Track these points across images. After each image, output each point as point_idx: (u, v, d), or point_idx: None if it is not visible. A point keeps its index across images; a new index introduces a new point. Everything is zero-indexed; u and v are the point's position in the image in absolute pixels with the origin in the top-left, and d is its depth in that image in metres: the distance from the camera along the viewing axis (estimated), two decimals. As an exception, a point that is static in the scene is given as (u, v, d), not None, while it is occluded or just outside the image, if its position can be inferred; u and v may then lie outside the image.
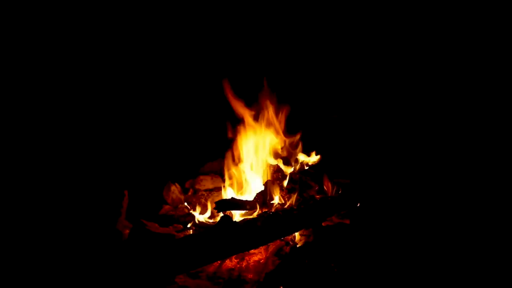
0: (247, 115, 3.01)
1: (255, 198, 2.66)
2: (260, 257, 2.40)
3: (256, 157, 2.98)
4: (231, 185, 2.94)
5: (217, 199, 2.66)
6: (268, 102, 3.03)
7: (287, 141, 3.07)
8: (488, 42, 3.56)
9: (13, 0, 3.16)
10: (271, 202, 2.67)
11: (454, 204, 2.85)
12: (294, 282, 2.11)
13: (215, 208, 2.54)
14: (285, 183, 2.86)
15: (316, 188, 2.88)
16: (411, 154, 3.52)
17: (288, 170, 2.99)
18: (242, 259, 2.38)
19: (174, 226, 2.67)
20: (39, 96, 3.30)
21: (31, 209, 2.62)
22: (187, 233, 2.58)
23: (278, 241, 2.47)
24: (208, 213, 2.75)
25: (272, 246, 2.45)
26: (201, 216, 2.72)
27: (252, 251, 2.38)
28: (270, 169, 2.92)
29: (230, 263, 2.35)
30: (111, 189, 2.74)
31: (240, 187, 2.94)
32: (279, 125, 3.06)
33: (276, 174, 2.87)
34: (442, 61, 3.72)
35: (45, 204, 2.68)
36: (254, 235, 2.26)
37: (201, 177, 3.28)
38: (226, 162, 2.97)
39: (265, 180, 2.77)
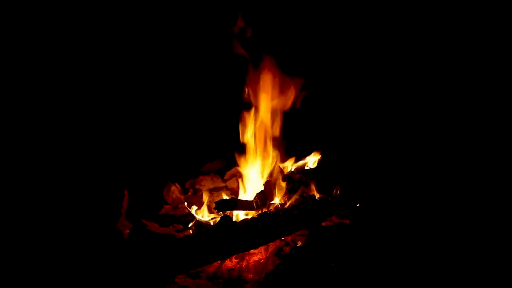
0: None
1: (255, 198, 2.66)
2: (260, 257, 2.40)
3: (256, 157, 2.98)
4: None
5: (217, 199, 2.66)
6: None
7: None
8: (488, 42, 3.56)
9: (13, 0, 3.16)
10: (271, 202, 2.67)
11: (454, 203, 2.85)
12: (294, 282, 2.11)
13: (215, 208, 2.54)
14: (285, 183, 2.86)
15: (316, 189, 2.88)
16: (411, 154, 3.52)
17: (288, 170, 3.00)
18: (242, 259, 2.38)
19: (174, 226, 2.67)
20: (39, 97, 3.30)
21: (31, 209, 2.62)
22: (187, 233, 2.58)
23: (278, 241, 2.47)
24: (208, 213, 2.75)
25: (272, 246, 2.45)
26: (201, 216, 2.72)
27: (252, 251, 2.38)
28: (270, 169, 2.92)
29: (230, 263, 2.35)
30: (111, 189, 2.74)
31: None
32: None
33: (276, 174, 2.87)
34: (442, 62, 3.72)
35: (45, 204, 2.68)
36: (254, 235, 2.26)
37: (201, 177, 3.28)
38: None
39: (265, 180, 2.77)
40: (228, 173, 3.35)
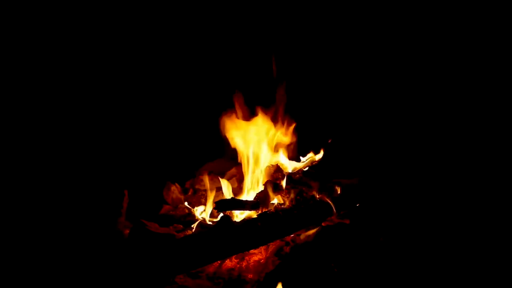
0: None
1: (255, 198, 2.66)
2: (260, 257, 2.40)
3: (256, 157, 2.97)
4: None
5: (217, 199, 2.66)
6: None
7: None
8: (488, 42, 3.56)
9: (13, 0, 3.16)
10: (271, 202, 2.67)
11: (454, 203, 2.85)
12: (294, 282, 2.11)
13: (215, 208, 2.54)
14: (285, 183, 2.86)
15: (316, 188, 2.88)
16: (411, 154, 3.52)
17: (288, 170, 2.99)
18: (242, 259, 2.38)
19: (174, 226, 2.67)
20: (39, 97, 3.30)
21: (31, 209, 2.62)
22: (187, 233, 2.58)
23: (278, 241, 2.47)
24: (208, 213, 2.75)
25: (272, 246, 2.45)
26: (201, 216, 2.71)
27: (252, 251, 2.38)
28: (269, 169, 2.91)
29: (230, 263, 2.35)
30: (111, 189, 2.74)
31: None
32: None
33: (276, 174, 2.87)
34: (442, 62, 3.72)
35: (45, 204, 2.68)
36: (254, 235, 2.26)
37: (201, 177, 3.28)
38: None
39: (265, 180, 2.77)
40: (228, 173, 3.35)
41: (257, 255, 2.41)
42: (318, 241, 2.40)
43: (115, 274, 1.96)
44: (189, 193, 3.18)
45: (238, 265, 2.34)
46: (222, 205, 2.53)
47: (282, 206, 2.68)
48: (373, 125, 3.87)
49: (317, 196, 2.79)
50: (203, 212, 2.78)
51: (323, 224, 2.60)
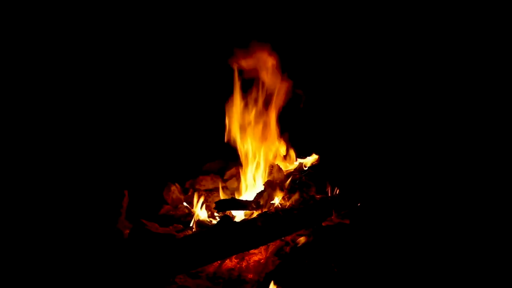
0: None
1: (255, 198, 2.66)
2: (260, 257, 2.40)
3: (257, 157, 2.98)
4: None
5: (217, 199, 2.66)
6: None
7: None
8: (488, 42, 3.56)
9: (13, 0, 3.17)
10: (271, 202, 2.67)
11: (454, 203, 2.85)
12: (294, 282, 2.11)
13: (215, 208, 2.54)
14: (285, 183, 2.86)
15: (315, 189, 2.88)
16: (411, 154, 3.52)
17: (288, 170, 3.00)
18: (242, 259, 2.38)
19: (174, 226, 2.67)
20: (40, 97, 3.30)
21: (31, 209, 2.62)
22: (187, 233, 2.58)
23: (278, 241, 2.47)
24: (208, 213, 2.75)
25: (272, 246, 2.45)
26: (201, 216, 2.71)
27: (252, 251, 2.38)
28: (270, 169, 2.92)
29: (230, 263, 2.35)
30: (111, 189, 2.74)
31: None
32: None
33: (276, 174, 2.87)
34: (440, 64, 3.72)
35: (45, 204, 2.68)
36: (254, 235, 2.26)
37: (201, 177, 3.28)
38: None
39: (265, 180, 2.77)
40: (228, 173, 3.35)
41: (257, 255, 2.41)
42: (318, 241, 2.40)
43: (115, 274, 1.96)
44: (189, 193, 3.18)
45: (238, 265, 2.34)
46: (222, 205, 2.53)
47: (282, 206, 2.68)
48: (373, 125, 3.87)
49: (317, 196, 2.80)
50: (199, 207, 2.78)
51: (323, 224, 2.60)
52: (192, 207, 2.82)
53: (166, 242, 2.25)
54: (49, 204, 2.68)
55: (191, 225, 2.65)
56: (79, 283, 1.97)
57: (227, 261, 2.35)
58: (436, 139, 3.55)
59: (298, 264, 2.20)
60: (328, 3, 3.79)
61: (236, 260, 2.37)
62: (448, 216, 2.75)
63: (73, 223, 2.49)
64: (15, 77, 3.21)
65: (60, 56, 3.41)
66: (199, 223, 2.65)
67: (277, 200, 2.71)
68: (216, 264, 2.29)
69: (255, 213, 2.59)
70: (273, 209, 2.61)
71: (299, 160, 3.13)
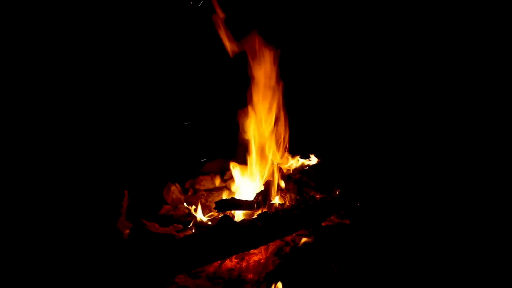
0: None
1: (255, 198, 2.66)
2: (260, 257, 2.40)
3: (257, 157, 2.98)
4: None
5: (217, 199, 2.66)
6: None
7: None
8: (487, 42, 3.56)
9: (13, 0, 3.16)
10: (271, 202, 2.67)
11: (454, 204, 2.85)
12: (294, 282, 2.11)
13: (215, 208, 2.54)
14: (285, 183, 2.86)
15: (315, 189, 2.88)
16: (411, 154, 3.52)
17: (288, 170, 3.00)
18: (242, 259, 2.38)
19: (174, 226, 2.67)
20: (39, 96, 3.30)
21: (31, 209, 2.62)
22: (187, 233, 2.58)
23: (278, 241, 2.47)
24: (208, 213, 2.75)
25: (272, 246, 2.45)
26: (201, 216, 2.72)
27: (252, 251, 2.38)
28: (270, 169, 2.92)
29: (230, 263, 2.35)
30: (111, 189, 2.74)
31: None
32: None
33: (276, 174, 2.87)
34: (441, 63, 3.72)
35: (45, 204, 2.68)
36: (254, 235, 2.26)
37: (201, 177, 3.28)
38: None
39: (265, 180, 2.77)
40: (228, 173, 3.35)
41: (257, 255, 2.42)
42: (318, 241, 2.40)
43: (115, 274, 1.96)
44: (189, 193, 3.19)
45: (238, 265, 2.34)
46: (222, 205, 2.54)
47: (282, 206, 2.68)
48: (373, 125, 3.87)
49: (317, 196, 2.80)
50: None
51: (323, 224, 2.60)
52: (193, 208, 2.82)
53: (166, 242, 2.25)
54: (49, 204, 2.68)
55: (190, 225, 2.66)
56: (79, 283, 1.97)
57: (227, 261, 2.35)
58: (436, 139, 3.55)
59: (298, 264, 2.20)
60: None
61: (236, 260, 2.37)
62: (448, 216, 2.75)
63: (73, 223, 2.49)
64: (14, 77, 3.21)
65: (60, 56, 3.41)
66: (199, 223, 2.65)
67: (277, 200, 2.72)
68: (216, 264, 2.29)
69: (255, 213, 2.59)
70: (273, 209, 2.61)
71: (300, 160, 3.13)
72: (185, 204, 2.95)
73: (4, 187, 2.73)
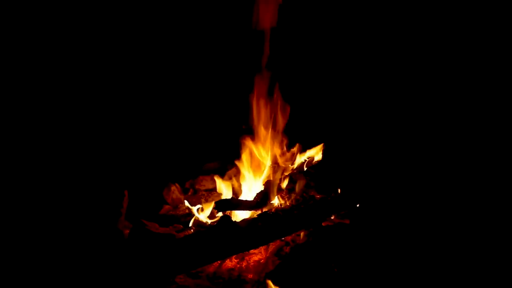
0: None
1: (255, 198, 2.66)
2: (260, 257, 2.41)
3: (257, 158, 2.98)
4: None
5: (217, 199, 2.66)
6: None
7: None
8: (487, 42, 3.56)
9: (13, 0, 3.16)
10: (271, 202, 2.67)
11: (454, 204, 2.85)
12: (294, 282, 2.11)
13: (215, 208, 2.54)
14: (285, 183, 2.86)
15: (315, 189, 2.88)
16: (411, 154, 3.52)
17: (288, 170, 2.99)
18: (242, 259, 2.38)
19: (174, 226, 2.67)
20: (39, 96, 3.30)
21: (31, 209, 2.62)
22: (187, 233, 2.58)
23: (278, 241, 2.47)
24: (208, 213, 2.75)
25: (272, 246, 2.45)
26: (201, 216, 2.72)
27: (252, 251, 2.38)
28: (270, 169, 2.92)
29: (230, 263, 2.35)
30: (111, 189, 2.74)
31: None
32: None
33: (276, 174, 2.87)
34: (441, 62, 3.72)
35: (45, 204, 2.68)
36: (254, 235, 2.26)
37: (201, 177, 3.28)
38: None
39: (265, 180, 2.77)
40: (228, 173, 3.35)
41: (257, 255, 2.42)
42: (318, 241, 2.40)
43: (115, 274, 1.96)
44: (189, 193, 3.19)
45: (238, 265, 2.34)
46: (222, 205, 2.54)
47: (282, 206, 2.68)
48: (373, 125, 3.87)
49: (317, 196, 2.80)
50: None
51: (323, 224, 2.60)
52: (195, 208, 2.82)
53: (166, 242, 2.25)
54: (49, 204, 2.68)
55: (190, 225, 2.66)
56: (79, 284, 1.98)
57: (227, 261, 2.35)
58: (436, 140, 3.55)
59: (298, 264, 2.20)
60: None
61: (236, 260, 2.37)
62: (448, 216, 2.75)
63: (73, 223, 2.49)
64: (13, 77, 3.21)
65: (60, 56, 3.41)
66: (198, 223, 2.65)
67: (277, 200, 2.71)
68: (216, 264, 2.29)
69: (255, 213, 2.59)
70: (273, 209, 2.61)
71: (300, 160, 3.13)
72: (186, 203, 2.95)
73: (4, 187, 2.74)
